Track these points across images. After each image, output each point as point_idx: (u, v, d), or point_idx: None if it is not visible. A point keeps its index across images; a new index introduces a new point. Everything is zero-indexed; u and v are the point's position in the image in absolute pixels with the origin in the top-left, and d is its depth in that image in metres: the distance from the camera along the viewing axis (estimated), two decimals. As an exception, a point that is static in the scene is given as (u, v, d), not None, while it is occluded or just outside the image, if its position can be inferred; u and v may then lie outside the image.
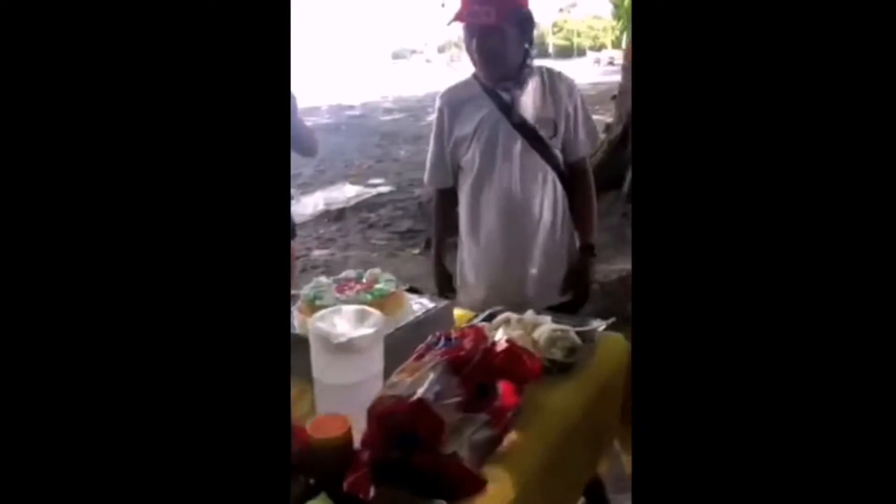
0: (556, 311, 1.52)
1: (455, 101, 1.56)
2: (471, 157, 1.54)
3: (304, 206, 5.50)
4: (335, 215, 5.27)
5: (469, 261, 1.66)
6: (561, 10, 17.34)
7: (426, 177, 1.68)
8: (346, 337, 0.91)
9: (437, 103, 1.60)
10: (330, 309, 1.04)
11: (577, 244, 1.62)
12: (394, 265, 4.05)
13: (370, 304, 1.18)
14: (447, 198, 1.67)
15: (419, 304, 1.34)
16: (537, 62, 1.57)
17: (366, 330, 0.94)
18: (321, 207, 5.45)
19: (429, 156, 1.65)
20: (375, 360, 0.97)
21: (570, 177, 1.57)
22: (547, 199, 1.54)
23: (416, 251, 4.27)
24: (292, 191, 5.63)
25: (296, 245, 3.42)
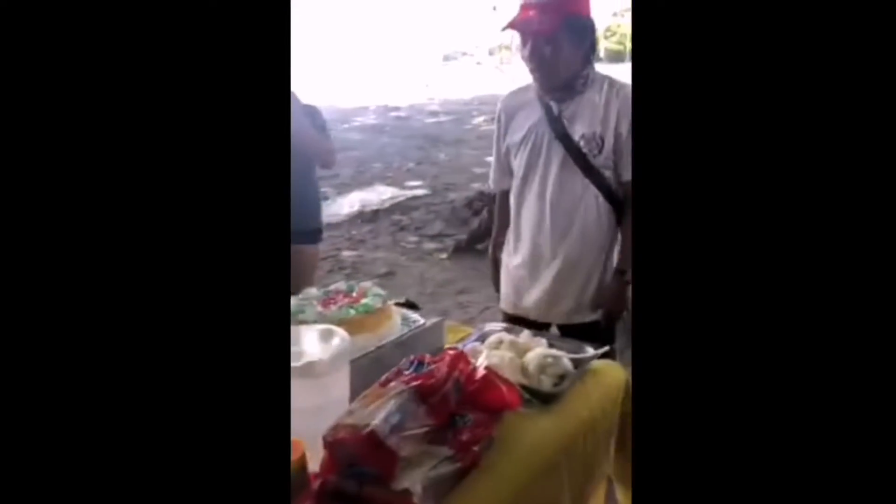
0: (577, 331, 1.51)
1: (512, 107, 1.57)
2: (518, 164, 1.54)
3: (340, 206, 5.54)
4: (369, 217, 5.29)
5: (506, 266, 1.67)
6: (615, 14, 16.99)
7: (490, 178, 1.71)
8: (304, 360, 0.88)
9: (498, 107, 1.62)
10: (301, 326, 1.01)
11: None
12: (420, 269, 4.03)
13: (354, 320, 1.16)
14: (507, 199, 1.67)
15: (413, 320, 1.31)
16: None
17: (327, 353, 0.91)
18: (356, 208, 5.48)
19: (493, 158, 1.67)
20: (338, 384, 0.93)
21: (622, 197, 1.50)
22: (585, 215, 1.48)
23: (444, 256, 4.24)
24: (329, 190, 5.68)
25: (326, 245, 3.44)
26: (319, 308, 1.21)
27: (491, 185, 1.71)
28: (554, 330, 1.61)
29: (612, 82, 1.48)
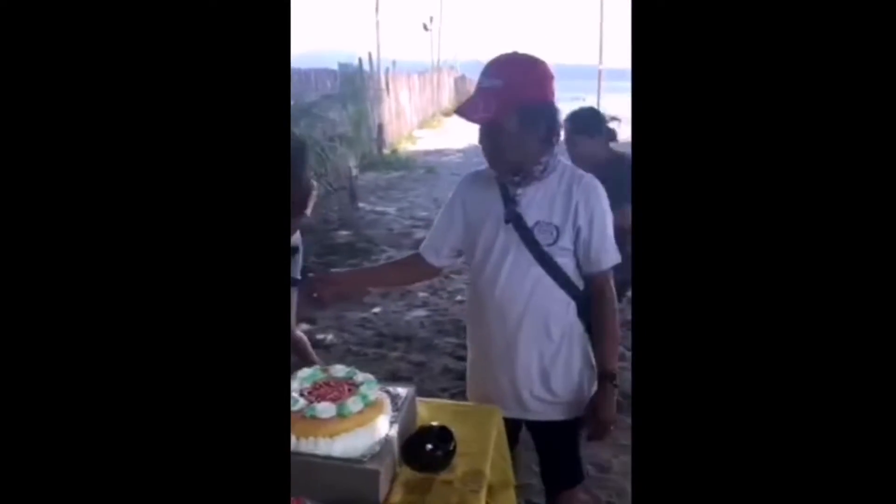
0: (550, 429, 1.46)
1: (473, 187, 1.49)
2: (473, 245, 1.46)
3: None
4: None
5: (468, 353, 1.59)
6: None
7: (424, 243, 1.59)
8: None
9: (459, 184, 1.54)
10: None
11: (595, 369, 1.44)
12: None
13: (364, 412, 1.10)
14: (415, 263, 1.59)
15: (395, 395, 1.24)
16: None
17: None
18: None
19: (434, 226, 1.57)
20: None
21: (588, 291, 1.41)
22: (541, 304, 1.39)
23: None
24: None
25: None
26: (302, 399, 1.11)
27: (421, 247, 1.59)
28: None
29: (574, 172, 1.41)
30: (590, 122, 2.21)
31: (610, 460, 2.34)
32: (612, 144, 2.39)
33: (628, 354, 3.28)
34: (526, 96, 1.30)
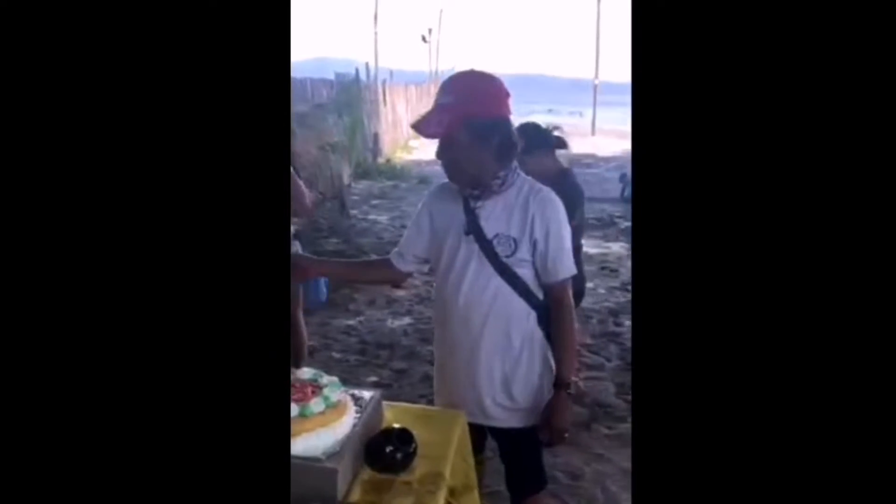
0: (511, 436, 1.49)
1: (439, 198, 1.55)
2: (438, 254, 1.51)
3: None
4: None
5: (436, 355, 1.64)
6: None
7: (396, 250, 1.62)
8: None
9: (426, 195, 1.60)
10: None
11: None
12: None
13: (326, 413, 1.14)
14: (384, 266, 1.63)
15: (357, 397, 1.27)
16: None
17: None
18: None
19: (405, 236, 1.61)
20: None
21: (544, 299, 1.46)
22: (502, 312, 1.43)
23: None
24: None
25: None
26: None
27: (391, 252, 1.63)
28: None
29: (532, 186, 1.45)
30: (533, 137, 2.26)
31: (582, 468, 2.37)
32: (561, 154, 2.45)
33: (608, 365, 3.34)
34: (477, 111, 1.35)
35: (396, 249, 1.62)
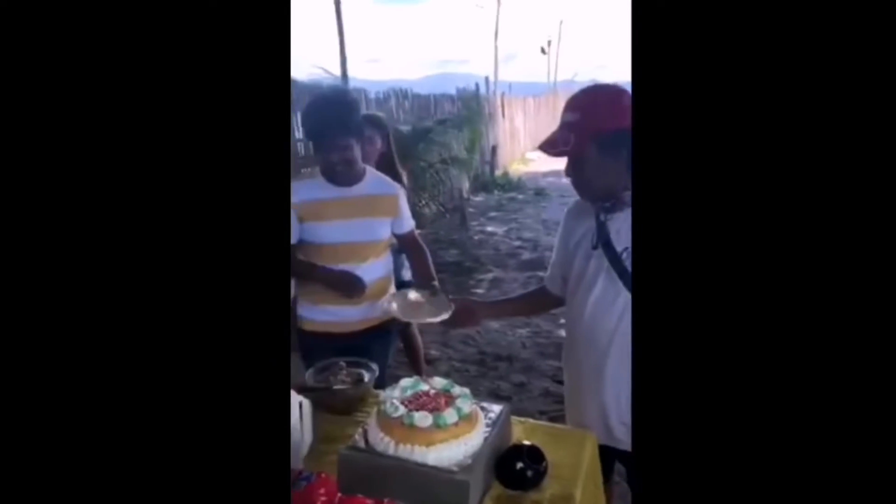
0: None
1: (574, 213, 1.55)
2: (569, 271, 1.51)
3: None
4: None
5: (565, 373, 1.62)
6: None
7: (547, 275, 1.66)
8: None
9: (565, 212, 1.60)
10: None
11: None
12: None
13: (459, 424, 1.16)
14: (543, 295, 1.66)
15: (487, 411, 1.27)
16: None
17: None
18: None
19: (553, 259, 1.64)
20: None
21: None
22: (627, 332, 1.36)
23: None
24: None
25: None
26: (402, 408, 1.18)
27: (545, 279, 1.67)
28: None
29: None
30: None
31: None
32: None
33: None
34: (604, 125, 1.32)
35: (548, 274, 1.63)
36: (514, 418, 1.38)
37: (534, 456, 1.18)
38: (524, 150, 13.51)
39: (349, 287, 1.89)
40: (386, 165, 2.50)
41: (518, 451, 1.19)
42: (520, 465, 1.16)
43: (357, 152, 1.92)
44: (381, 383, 1.65)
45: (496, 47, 13.06)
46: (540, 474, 1.17)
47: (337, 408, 1.45)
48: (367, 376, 1.54)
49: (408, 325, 2.83)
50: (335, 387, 1.48)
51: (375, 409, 1.24)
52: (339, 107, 1.90)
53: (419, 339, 3.03)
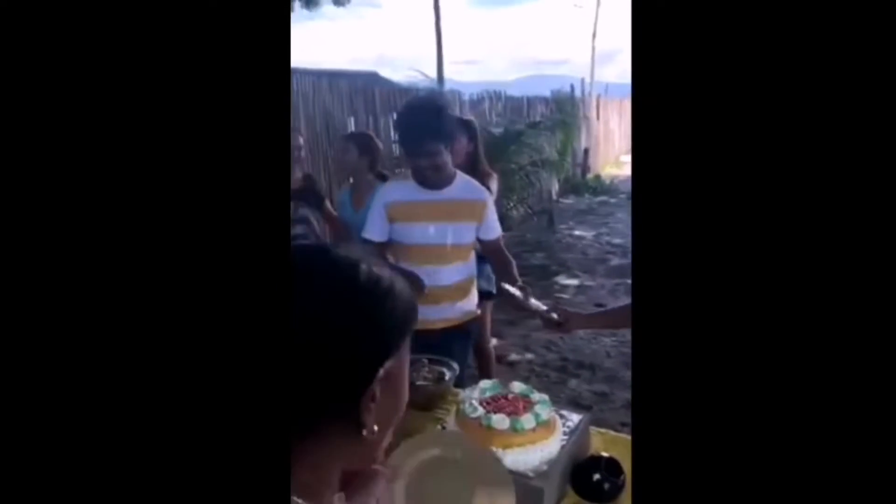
0: None
1: None
2: None
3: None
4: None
5: None
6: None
7: None
8: None
9: None
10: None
11: None
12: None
13: (536, 430, 1.17)
14: None
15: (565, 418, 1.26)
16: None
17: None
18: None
19: None
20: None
21: None
22: None
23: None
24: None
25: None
26: (481, 409, 1.20)
27: None
28: None
29: None
30: None
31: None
32: None
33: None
34: None
35: None
36: (594, 429, 1.36)
37: (612, 469, 1.16)
38: (618, 152, 13.13)
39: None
40: (471, 166, 2.52)
41: (596, 462, 1.18)
42: (597, 476, 1.15)
43: (447, 157, 1.95)
44: (460, 383, 1.67)
45: (593, 48, 12.78)
46: (618, 487, 1.15)
47: (418, 403, 1.49)
48: (448, 374, 1.57)
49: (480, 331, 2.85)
50: (417, 382, 1.52)
51: (455, 409, 1.26)
52: (430, 113, 1.92)
53: (491, 344, 3.02)
